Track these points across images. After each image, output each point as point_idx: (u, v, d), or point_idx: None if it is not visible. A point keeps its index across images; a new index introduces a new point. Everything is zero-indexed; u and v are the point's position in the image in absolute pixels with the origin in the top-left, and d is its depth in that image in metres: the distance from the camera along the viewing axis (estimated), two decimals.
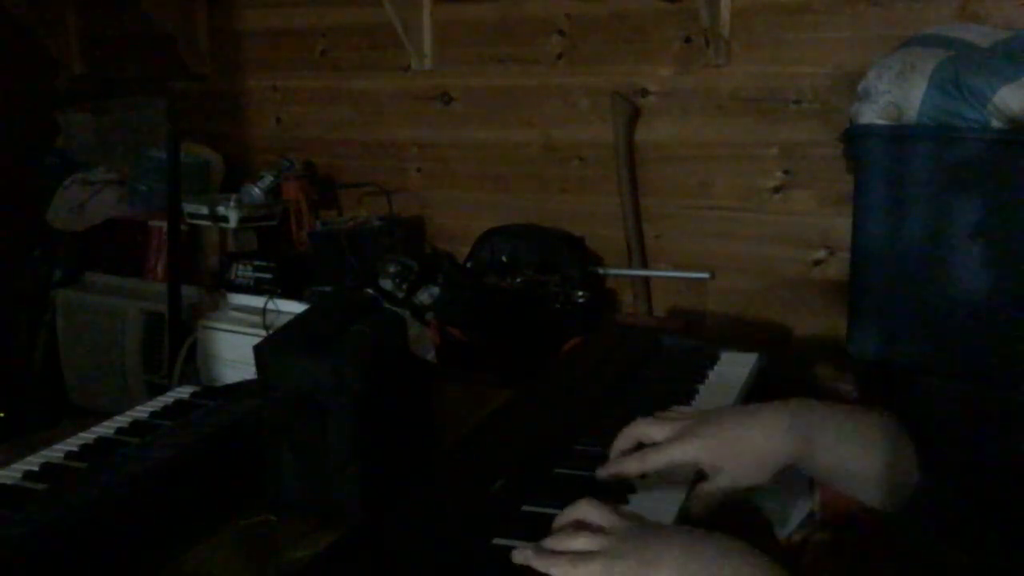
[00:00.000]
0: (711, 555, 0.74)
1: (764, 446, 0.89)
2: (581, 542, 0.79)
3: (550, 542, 0.81)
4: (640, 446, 0.97)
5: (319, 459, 0.92)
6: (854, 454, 0.86)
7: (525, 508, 0.94)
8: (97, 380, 2.98)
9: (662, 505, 0.93)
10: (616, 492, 0.95)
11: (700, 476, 0.94)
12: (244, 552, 0.90)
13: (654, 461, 0.93)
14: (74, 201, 3.11)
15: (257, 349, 0.94)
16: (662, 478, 0.96)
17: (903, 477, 0.84)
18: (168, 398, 1.27)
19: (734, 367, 1.41)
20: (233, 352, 2.54)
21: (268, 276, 2.70)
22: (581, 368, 1.41)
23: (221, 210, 2.89)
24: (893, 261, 2.06)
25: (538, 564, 0.78)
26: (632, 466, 0.94)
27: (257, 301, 2.58)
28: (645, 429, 0.97)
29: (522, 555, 0.80)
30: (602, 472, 0.96)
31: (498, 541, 0.87)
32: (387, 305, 2.23)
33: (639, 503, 0.93)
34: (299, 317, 1.04)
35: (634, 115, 2.65)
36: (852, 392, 2.37)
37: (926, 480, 0.82)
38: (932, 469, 0.82)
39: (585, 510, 0.83)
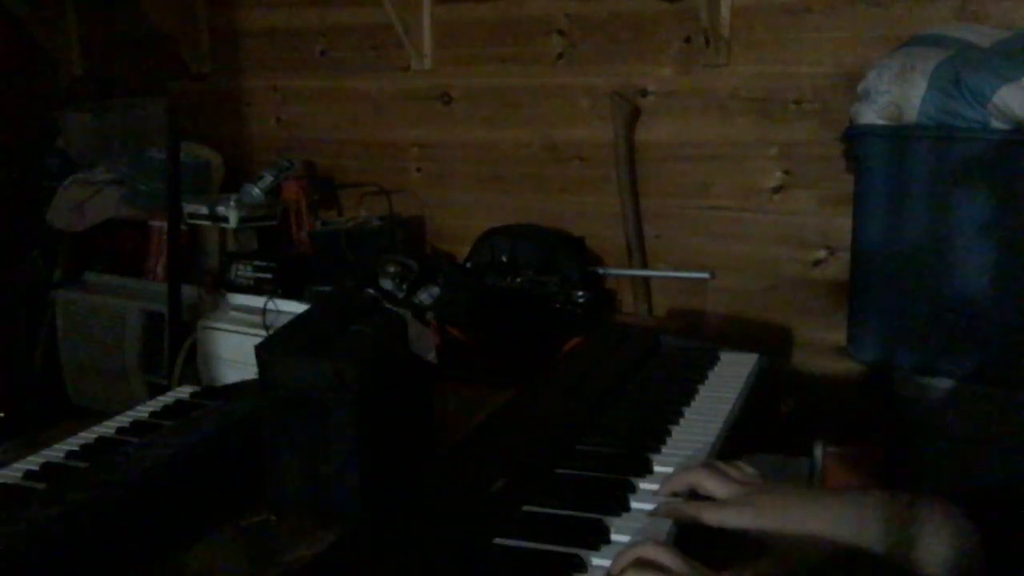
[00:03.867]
0: None
1: (821, 535, 0.85)
2: None
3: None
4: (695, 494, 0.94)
5: (319, 459, 0.92)
6: (908, 550, 0.82)
7: (525, 508, 0.94)
8: (97, 380, 2.98)
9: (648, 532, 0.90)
10: (616, 497, 0.94)
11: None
12: (244, 552, 0.90)
13: (709, 518, 0.90)
14: (74, 201, 3.10)
15: (257, 349, 0.94)
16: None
17: (969, 568, 0.81)
18: (168, 398, 1.27)
19: (734, 367, 1.41)
20: (233, 352, 2.54)
21: (268, 276, 2.70)
22: (581, 368, 1.41)
23: (221, 210, 2.89)
24: (893, 261, 2.06)
25: None
26: (686, 514, 0.92)
27: (257, 301, 2.57)
28: (703, 481, 0.94)
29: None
30: (657, 511, 0.93)
31: (498, 541, 0.87)
32: (387, 305, 2.23)
33: (638, 511, 0.92)
34: (299, 317, 1.04)
35: (634, 115, 2.65)
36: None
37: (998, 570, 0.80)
38: (1006, 559, 0.80)
39: (652, 551, 0.80)
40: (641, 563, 0.80)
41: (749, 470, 0.98)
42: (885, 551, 0.83)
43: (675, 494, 0.96)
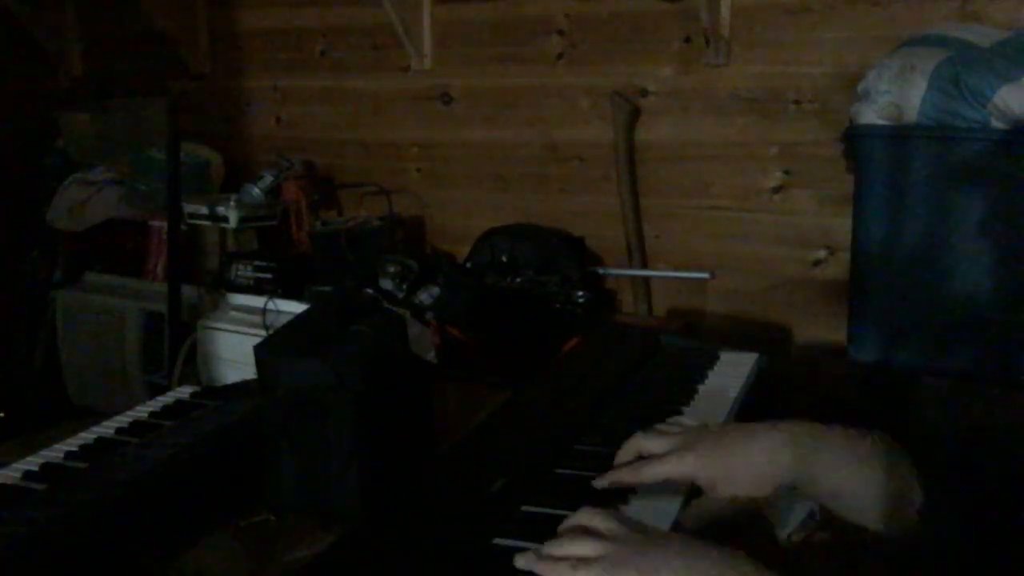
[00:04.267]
0: (710, 565, 0.75)
1: (762, 466, 0.90)
2: (582, 547, 0.79)
3: (551, 546, 0.81)
4: (641, 459, 0.97)
5: (319, 459, 0.92)
6: (855, 477, 0.86)
7: (525, 508, 0.94)
8: (97, 380, 2.98)
9: (656, 514, 0.92)
10: (612, 499, 0.95)
11: (696, 490, 0.94)
12: (244, 552, 0.90)
13: (649, 473, 0.94)
14: (74, 201, 3.10)
15: (257, 349, 0.94)
16: (658, 489, 0.96)
17: (904, 501, 0.83)
18: (168, 398, 1.27)
19: (734, 367, 1.41)
20: (233, 352, 2.54)
21: (268, 276, 2.70)
22: (581, 368, 1.41)
23: (221, 210, 2.89)
24: (893, 261, 2.06)
25: (540, 569, 0.79)
26: (627, 477, 0.95)
27: (257, 301, 2.57)
28: (644, 443, 0.98)
29: (524, 559, 0.81)
30: (599, 482, 0.96)
31: (498, 541, 0.87)
32: (387, 305, 2.23)
33: (634, 512, 0.93)
34: (299, 317, 1.04)
35: (634, 115, 2.65)
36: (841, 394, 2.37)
37: (929, 504, 0.82)
38: (935, 492, 0.82)
39: (587, 516, 0.83)
40: (579, 530, 0.82)
41: (688, 423, 1.03)
42: (828, 474, 0.87)
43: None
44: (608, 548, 0.78)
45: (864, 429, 0.90)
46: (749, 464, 0.90)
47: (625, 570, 0.76)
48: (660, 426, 1.02)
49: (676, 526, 0.93)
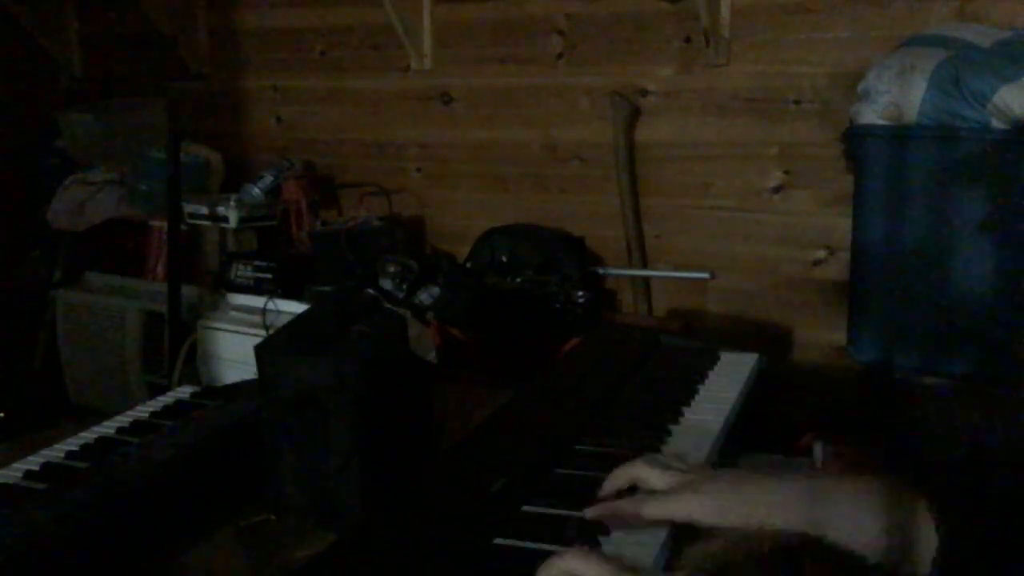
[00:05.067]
0: None
1: (771, 516, 0.83)
2: None
3: None
4: (634, 487, 0.90)
5: (319, 459, 0.92)
6: (865, 532, 0.81)
7: (525, 508, 0.94)
8: (97, 380, 2.98)
9: (643, 538, 0.87)
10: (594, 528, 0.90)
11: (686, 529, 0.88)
12: (244, 552, 0.90)
13: (651, 512, 0.86)
14: (74, 201, 3.11)
15: (257, 349, 0.94)
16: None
17: (916, 546, 0.80)
18: (168, 398, 1.27)
19: (734, 367, 1.41)
20: (233, 352, 2.54)
21: (268, 276, 2.70)
22: (581, 368, 1.41)
23: (221, 210, 2.89)
24: (893, 261, 2.06)
25: None
26: (628, 509, 0.88)
27: (257, 301, 2.57)
28: (643, 473, 0.90)
29: None
30: (593, 512, 0.89)
31: (498, 541, 0.87)
32: (387, 305, 2.23)
33: (620, 536, 0.88)
34: (299, 317, 1.04)
35: (634, 115, 2.65)
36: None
37: (948, 546, 0.79)
38: (952, 534, 0.79)
39: (575, 563, 0.75)
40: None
41: (691, 463, 0.95)
42: (837, 531, 0.82)
43: (619, 493, 0.92)
44: None
45: (870, 476, 0.84)
46: (755, 515, 0.83)
47: None
48: (659, 457, 0.94)
49: (664, 557, 0.88)
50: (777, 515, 0.83)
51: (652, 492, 0.89)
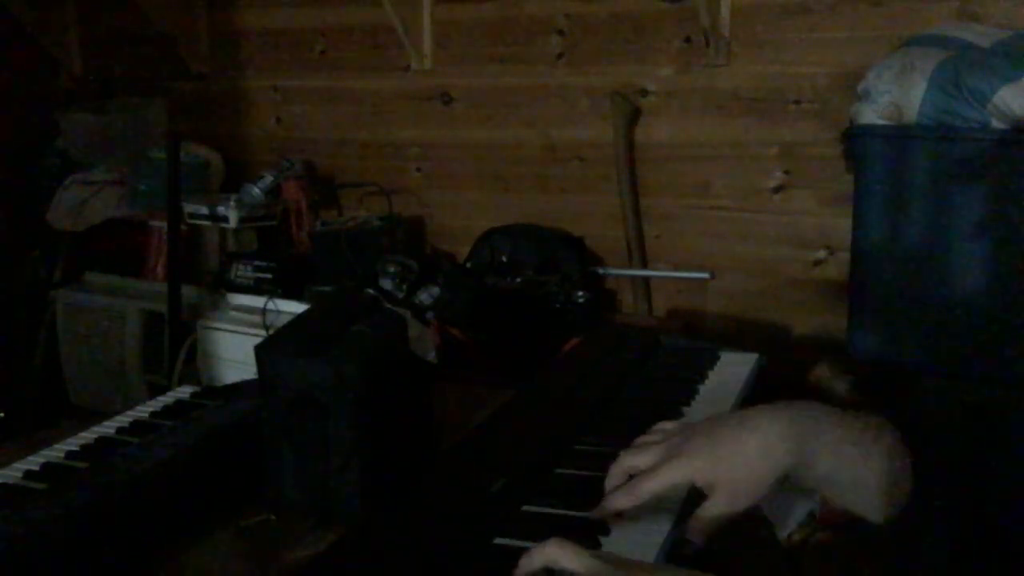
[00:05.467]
0: None
1: (760, 457, 0.83)
2: None
3: None
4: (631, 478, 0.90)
5: (319, 459, 0.92)
6: (853, 462, 0.81)
7: (525, 508, 0.94)
8: (97, 380, 2.98)
9: (645, 537, 0.87)
10: (596, 526, 0.90)
11: (690, 501, 0.88)
12: (244, 552, 0.90)
13: (646, 489, 0.86)
14: (74, 201, 3.11)
15: (257, 349, 0.94)
16: (647, 507, 0.89)
17: (900, 487, 0.81)
18: (168, 398, 1.27)
19: (734, 367, 1.41)
20: (233, 352, 2.54)
21: (268, 276, 2.70)
22: (581, 368, 1.41)
23: (221, 210, 2.89)
24: (893, 261, 2.06)
25: None
26: (623, 500, 0.87)
27: (257, 301, 2.57)
28: (631, 460, 0.90)
29: None
30: (596, 514, 0.88)
31: (498, 541, 0.87)
32: (387, 305, 2.23)
33: (621, 535, 0.88)
34: (299, 317, 1.04)
35: (634, 115, 2.65)
36: (847, 392, 2.37)
37: (919, 492, 0.79)
38: (926, 480, 0.79)
39: (555, 553, 0.74)
40: (548, 571, 0.75)
41: (669, 426, 0.95)
42: (825, 458, 0.83)
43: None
44: None
45: (863, 413, 0.86)
46: (744, 457, 0.83)
47: None
48: (641, 439, 0.94)
49: (672, 544, 0.88)
50: (762, 464, 0.83)
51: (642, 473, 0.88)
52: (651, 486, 0.86)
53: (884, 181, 2.05)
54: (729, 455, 0.84)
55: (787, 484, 0.86)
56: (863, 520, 0.84)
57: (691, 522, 0.86)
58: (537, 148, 2.84)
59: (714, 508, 0.85)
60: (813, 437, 0.83)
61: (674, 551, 0.87)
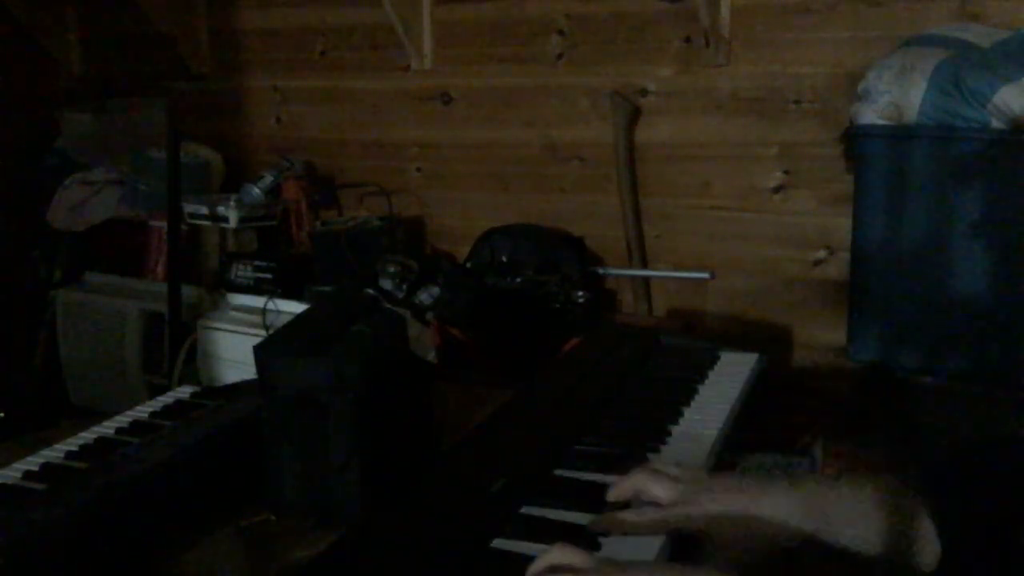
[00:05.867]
0: None
1: (769, 528, 0.85)
2: None
3: None
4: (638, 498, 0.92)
5: (319, 459, 0.92)
6: (862, 532, 0.83)
7: (525, 509, 0.94)
8: (97, 380, 2.98)
9: (643, 540, 0.88)
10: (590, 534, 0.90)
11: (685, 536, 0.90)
12: (244, 552, 0.90)
13: (653, 525, 0.88)
14: (74, 201, 3.10)
15: (257, 349, 0.94)
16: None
17: (912, 547, 0.82)
18: (168, 398, 1.27)
19: (734, 367, 1.41)
20: (233, 352, 2.54)
21: (268, 276, 2.70)
22: (581, 368, 1.41)
23: (221, 210, 2.89)
24: (893, 261, 2.06)
25: None
26: (629, 525, 0.89)
27: (257, 301, 2.57)
28: (646, 485, 0.91)
29: None
30: (596, 525, 0.90)
31: (498, 542, 0.87)
32: (387, 305, 2.23)
33: (619, 539, 0.89)
34: (299, 317, 1.04)
35: (634, 115, 2.65)
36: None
37: (949, 551, 0.80)
38: (953, 540, 0.80)
39: (561, 555, 0.78)
40: (553, 569, 0.77)
41: (689, 470, 0.96)
42: (836, 534, 0.84)
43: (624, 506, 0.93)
44: None
45: (869, 475, 0.87)
46: (760, 524, 0.85)
47: None
48: (662, 468, 0.95)
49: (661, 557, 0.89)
50: (775, 526, 0.85)
51: (651, 503, 0.90)
52: (660, 525, 0.88)
53: (884, 181, 2.05)
54: (745, 518, 0.86)
55: None
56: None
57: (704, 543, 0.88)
58: (537, 148, 2.84)
59: (710, 555, 0.87)
60: (823, 517, 0.85)
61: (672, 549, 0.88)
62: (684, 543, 0.89)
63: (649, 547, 0.87)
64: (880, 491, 0.84)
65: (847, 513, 0.84)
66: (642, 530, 0.88)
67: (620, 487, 0.93)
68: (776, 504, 0.86)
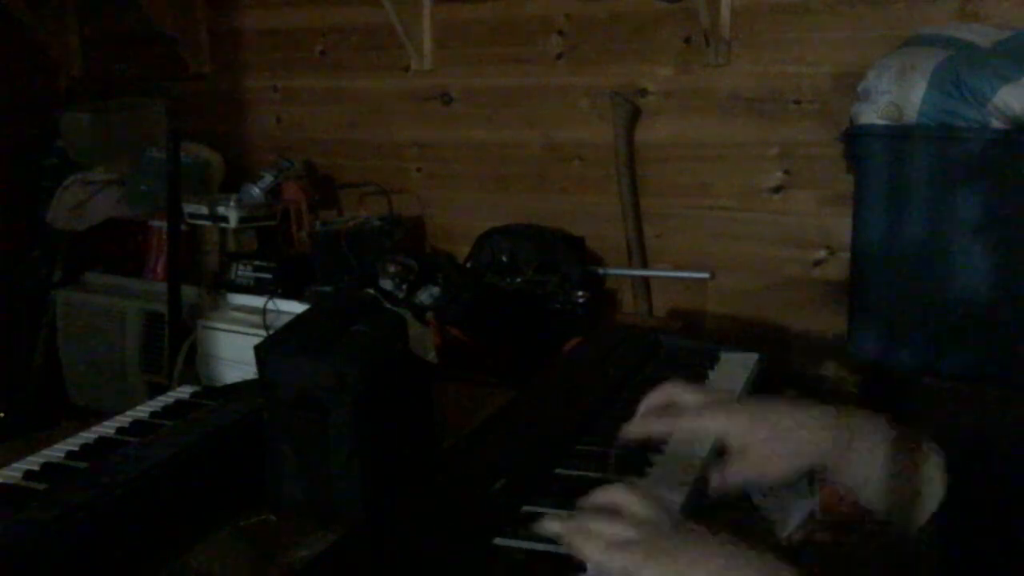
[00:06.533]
0: (750, 567, 0.72)
1: (800, 437, 0.85)
2: (616, 529, 0.76)
3: (583, 518, 0.78)
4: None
5: (319, 459, 0.92)
6: (882, 471, 0.83)
7: (525, 508, 0.94)
8: (97, 380, 2.98)
9: (667, 490, 0.91)
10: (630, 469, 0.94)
11: (715, 462, 0.91)
12: (244, 552, 0.90)
13: (685, 426, 0.91)
14: (74, 201, 3.11)
15: (257, 349, 0.94)
16: (680, 455, 0.94)
17: (932, 499, 0.82)
18: (168, 398, 1.27)
19: (734, 367, 1.41)
20: (233, 352, 2.54)
21: (268, 276, 2.70)
22: (581, 368, 1.41)
23: (221, 210, 2.89)
24: (893, 261, 2.06)
25: (573, 541, 0.76)
26: (660, 428, 0.92)
27: (257, 301, 2.58)
28: (679, 392, 0.94)
29: (554, 524, 0.78)
30: (629, 428, 0.93)
31: (498, 541, 0.87)
32: (387, 305, 2.23)
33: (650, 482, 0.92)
34: (299, 317, 1.04)
35: (634, 115, 2.65)
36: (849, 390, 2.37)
37: (951, 505, 0.80)
38: (958, 494, 0.80)
39: (620, 494, 0.80)
40: (607, 506, 0.79)
41: (722, 391, 1.00)
42: (859, 465, 0.84)
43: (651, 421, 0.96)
44: (644, 534, 0.76)
45: (905, 426, 0.87)
46: (786, 432, 0.86)
47: (662, 561, 0.73)
48: (694, 386, 0.98)
49: (689, 500, 0.91)
50: (802, 444, 0.85)
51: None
52: (690, 425, 0.90)
53: (884, 181, 2.05)
54: (772, 425, 0.86)
55: (789, 493, 0.89)
56: (864, 520, 0.86)
57: (715, 474, 0.89)
58: (537, 148, 2.84)
59: (740, 472, 0.87)
60: (852, 440, 0.85)
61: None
62: (704, 496, 0.91)
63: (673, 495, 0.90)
64: (897, 439, 0.85)
65: (862, 454, 0.84)
66: (676, 431, 0.91)
67: (653, 394, 0.96)
68: (809, 422, 0.86)
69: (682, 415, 0.92)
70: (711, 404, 0.91)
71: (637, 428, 0.94)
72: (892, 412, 0.88)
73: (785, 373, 2.47)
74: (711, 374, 1.38)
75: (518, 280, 2.52)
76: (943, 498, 0.81)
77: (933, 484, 0.82)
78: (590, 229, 2.76)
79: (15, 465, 1.04)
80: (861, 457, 0.84)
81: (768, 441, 0.86)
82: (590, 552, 0.76)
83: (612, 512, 0.79)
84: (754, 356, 1.45)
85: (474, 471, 1.02)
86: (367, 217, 2.93)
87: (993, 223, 1.93)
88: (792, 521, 1.65)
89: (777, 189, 2.52)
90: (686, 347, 1.55)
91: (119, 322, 2.91)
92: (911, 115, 1.98)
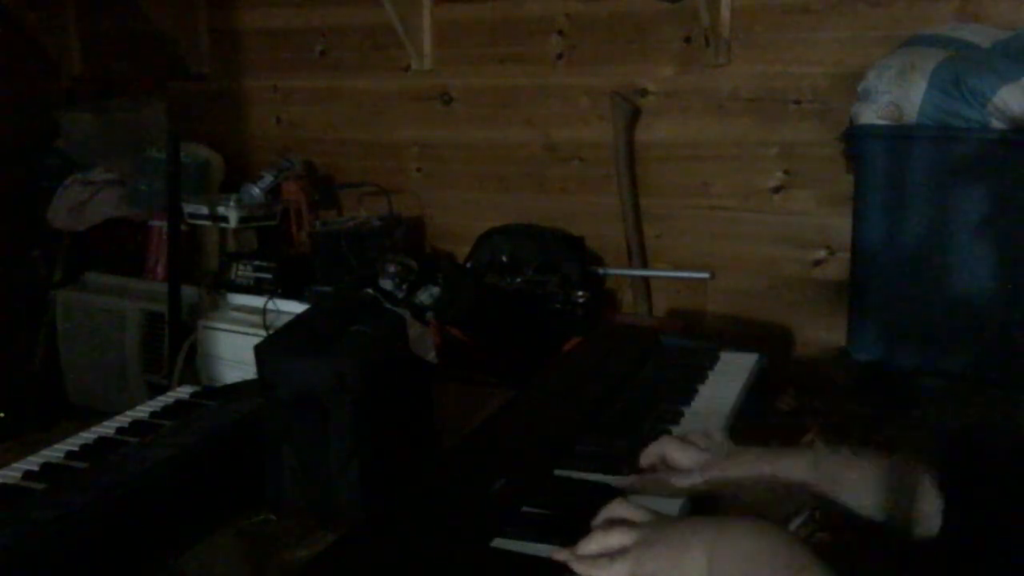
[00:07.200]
0: (740, 533, 0.77)
1: (794, 489, 0.91)
2: (614, 538, 0.82)
3: (587, 543, 0.83)
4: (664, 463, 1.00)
5: (319, 459, 0.92)
6: (871, 502, 0.88)
7: (525, 508, 0.94)
8: (97, 380, 2.98)
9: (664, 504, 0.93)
10: (616, 497, 0.94)
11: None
12: (244, 552, 0.90)
13: (676, 489, 0.96)
14: (74, 201, 3.11)
15: (257, 349, 0.94)
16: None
17: (917, 516, 0.85)
18: (168, 398, 1.27)
19: (734, 367, 1.41)
20: (233, 352, 2.54)
21: (268, 276, 2.70)
22: (581, 368, 1.41)
23: (221, 210, 2.89)
24: (893, 261, 2.06)
25: (578, 567, 0.81)
26: (651, 488, 0.97)
27: (257, 301, 2.57)
28: (671, 452, 0.99)
29: (562, 556, 0.83)
30: (622, 482, 0.98)
31: (498, 542, 0.87)
32: (387, 305, 2.23)
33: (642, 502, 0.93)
34: (299, 317, 1.04)
35: (634, 115, 2.65)
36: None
37: (949, 522, 0.83)
38: (955, 512, 0.83)
39: (618, 508, 0.86)
40: (611, 522, 0.84)
41: (717, 437, 1.03)
42: (847, 499, 0.90)
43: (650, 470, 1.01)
44: (637, 534, 0.81)
45: (884, 450, 0.92)
46: (775, 488, 0.92)
47: (656, 550, 0.79)
48: (689, 436, 1.03)
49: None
50: (792, 488, 0.92)
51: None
52: (681, 487, 0.96)
53: (884, 181, 2.05)
54: (760, 480, 0.93)
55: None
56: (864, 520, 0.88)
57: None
58: (537, 148, 2.84)
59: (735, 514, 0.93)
60: (836, 482, 0.90)
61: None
62: (702, 506, 0.96)
63: (671, 507, 0.93)
64: (882, 467, 0.89)
65: (853, 481, 0.89)
66: (672, 492, 0.96)
67: (646, 453, 1.01)
68: (793, 468, 0.92)
69: (674, 476, 0.97)
70: (702, 466, 0.96)
71: (630, 482, 0.98)
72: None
73: (785, 373, 2.47)
74: (711, 374, 1.38)
75: (518, 280, 2.52)
76: (940, 521, 0.83)
77: (930, 501, 0.83)
78: (590, 229, 2.76)
79: (15, 465, 1.04)
80: (845, 497, 0.89)
81: (760, 495, 0.93)
82: (598, 572, 0.81)
83: (609, 527, 0.84)
84: (754, 356, 1.45)
85: (474, 471, 1.02)
86: (367, 217, 2.93)
87: (993, 223, 1.93)
88: (792, 521, 1.65)
89: (777, 189, 2.52)
90: (686, 347, 1.56)
91: (119, 322, 2.91)
92: (911, 115, 1.98)
